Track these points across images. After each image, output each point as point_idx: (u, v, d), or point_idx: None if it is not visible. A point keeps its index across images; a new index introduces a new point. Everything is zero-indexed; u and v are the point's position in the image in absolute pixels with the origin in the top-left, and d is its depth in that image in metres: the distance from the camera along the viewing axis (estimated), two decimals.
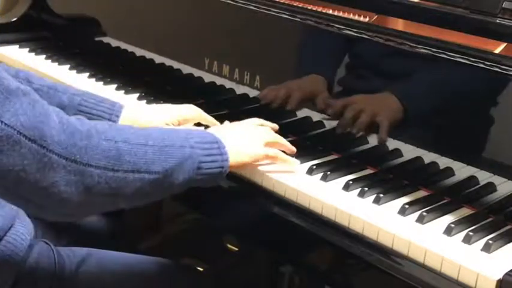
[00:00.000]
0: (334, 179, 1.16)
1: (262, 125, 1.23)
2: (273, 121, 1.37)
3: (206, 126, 1.31)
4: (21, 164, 0.81)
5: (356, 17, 1.25)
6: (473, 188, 1.12)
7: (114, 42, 1.76)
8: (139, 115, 1.23)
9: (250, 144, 1.12)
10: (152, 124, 1.21)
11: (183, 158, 0.98)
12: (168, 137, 0.99)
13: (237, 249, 1.71)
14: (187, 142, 1.00)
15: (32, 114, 0.83)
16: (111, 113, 1.21)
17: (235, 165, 1.08)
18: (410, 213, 1.06)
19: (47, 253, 1.13)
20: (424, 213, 1.04)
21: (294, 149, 1.20)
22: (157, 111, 1.26)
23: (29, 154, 0.81)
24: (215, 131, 1.10)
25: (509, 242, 1.00)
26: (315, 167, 1.18)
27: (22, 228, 1.10)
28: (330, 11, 1.29)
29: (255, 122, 1.23)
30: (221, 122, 1.34)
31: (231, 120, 1.38)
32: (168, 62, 1.60)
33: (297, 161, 1.19)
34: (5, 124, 0.80)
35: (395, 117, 1.20)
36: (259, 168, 1.17)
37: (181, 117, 1.26)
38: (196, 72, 1.53)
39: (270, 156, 1.14)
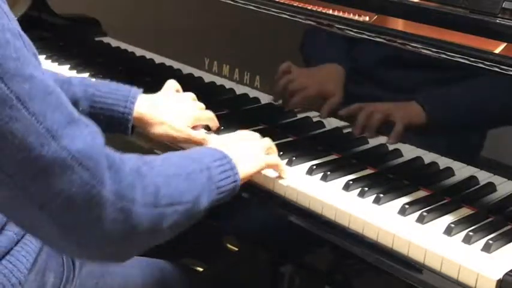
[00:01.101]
0: (334, 179, 1.16)
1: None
2: (273, 121, 1.37)
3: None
4: (68, 190, 0.78)
5: (356, 17, 1.25)
6: (473, 188, 1.12)
7: (114, 42, 1.76)
8: (155, 114, 1.22)
9: (253, 154, 1.11)
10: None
11: (205, 182, 0.97)
12: (188, 162, 0.98)
13: (237, 249, 1.71)
14: (204, 164, 0.99)
15: (92, 144, 0.81)
16: (126, 100, 1.19)
17: (243, 177, 1.07)
18: (410, 213, 1.06)
19: (55, 255, 1.13)
20: (424, 213, 1.04)
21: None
22: (169, 115, 1.24)
23: (78, 181, 0.79)
24: (218, 146, 1.08)
25: (509, 242, 1.00)
26: (315, 167, 1.18)
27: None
28: (330, 11, 1.29)
29: (246, 133, 1.21)
30: (221, 121, 1.34)
31: (231, 119, 1.38)
32: (168, 62, 1.60)
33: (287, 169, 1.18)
34: (61, 147, 0.77)
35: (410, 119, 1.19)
36: None
37: (193, 119, 1.26)
38: (196, 72, 1.53)
39: (271, 164, 1.14)
